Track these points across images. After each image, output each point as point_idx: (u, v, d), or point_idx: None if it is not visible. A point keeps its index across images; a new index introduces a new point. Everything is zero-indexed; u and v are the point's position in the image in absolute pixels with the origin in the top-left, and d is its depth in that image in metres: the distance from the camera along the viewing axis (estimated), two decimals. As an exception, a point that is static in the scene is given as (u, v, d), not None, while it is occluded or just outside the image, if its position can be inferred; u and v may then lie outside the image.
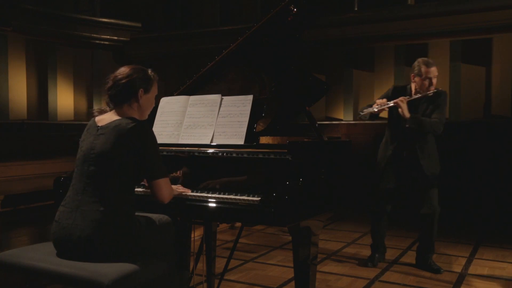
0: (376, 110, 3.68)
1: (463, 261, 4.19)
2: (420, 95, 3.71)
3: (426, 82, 3.69)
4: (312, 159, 2.37)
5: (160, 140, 2.64)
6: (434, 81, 3.71)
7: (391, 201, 3.97)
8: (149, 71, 2.30)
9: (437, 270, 3.86)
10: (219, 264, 3.70)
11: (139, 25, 9.31)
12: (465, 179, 6.61)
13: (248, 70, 3.06)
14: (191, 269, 2.96)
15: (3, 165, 6.76)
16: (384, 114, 4.04)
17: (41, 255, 2.15)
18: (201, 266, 3.17)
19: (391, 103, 3.69)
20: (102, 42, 9.16)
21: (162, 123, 2.70)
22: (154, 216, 2.31)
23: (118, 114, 2.21)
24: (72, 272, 1.97)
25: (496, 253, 4.46)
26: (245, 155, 2.30)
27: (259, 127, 2.66)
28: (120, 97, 2.20)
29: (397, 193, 3.95)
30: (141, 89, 2.23)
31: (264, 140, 2.55)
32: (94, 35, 9.02)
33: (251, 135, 2.41)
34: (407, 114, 3.63)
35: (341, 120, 7.80)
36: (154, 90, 2.31)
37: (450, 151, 6.79)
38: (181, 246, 2.78)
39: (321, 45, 7.82)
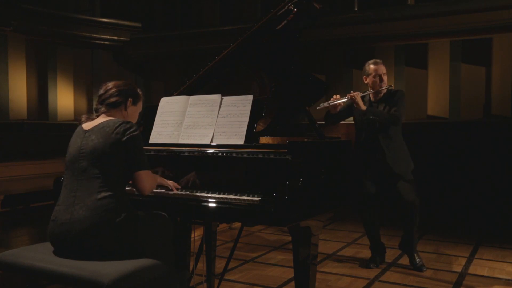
0: (328, 104, 3.67)
1: (463, 261, 4.19)
2: (373, 91, 3.85)
3: (377, 79, 3.84)
4: (312, 159, 2.37)
5: (160, 140, 2.65)
6: (385, 78, 3.86)
7: (374, 205, 3.98)
8: (138, 89, 2.51)
9: (420, 268, 3.87)
10: (219, 264, 3.70)
11: (139, 25, 9.31)
12: (465, 179, 6.61)
13: (248, 70, 3.06)
14: (191, 269, 2.96)
15: (3, 165, 6.76)
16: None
17: (41, 255, 2.15)
18: (201, 266, 3.17)
19: (345, 98, 3.73)
20: (102, 42, 9.16)
21: (162, 123, 2.70)
22: (151, 212, 2.34)
23: (106, 119, 2.31)
24: (72, 272, 1.97)
25: (496, 253, 4.46)
26: (245, 155, 2.30)
27: (259, 127, 2.65)
28: (112, 102, 2.36)
29: (380, 197, 3.97)
30: (130, 99, 2.41)
31: (264, 140, 2.54)
32: (94, 35, 9.02)
33: (251, 135, 2.41)
34: (362, 107, 3.73)
35: (341, 120, 7.79)
36: (140, 106, 2.50)
37: (450, 151, 6.80)
38: (181, 246, 2.78)
39: (321, 45, 7.82)
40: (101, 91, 2.40)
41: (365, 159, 3.90)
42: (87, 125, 2.31)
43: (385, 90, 3.85)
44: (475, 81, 7.02)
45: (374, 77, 3.83)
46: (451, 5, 6.89)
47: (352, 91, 3.78)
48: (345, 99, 3.72)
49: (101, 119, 2.31)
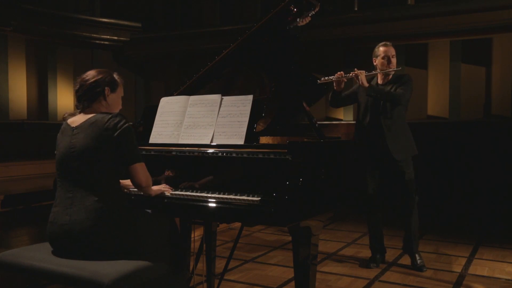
0: (333, 78, 3.63)
1: (463, 261, 4.19)
2: (380, 71, 3.86)
3: (385, 61, 3.86)
4: (312, 159, 2.37)
5: (160, 140, 2.65)
6: (393, 60, 3.87)
7: (377, 205, 3.98)
8: (115, 74, 2.41)
9: (420, 268, 3.87)
10: (219, 264, 3.70)
11: (139, 25, 9.30)
12: (465, 179, 6.61)
13: (248, 70, 3.06)
14: (191, 269, 2.96)
15: (3, 165, 6.76)
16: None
17: (41, 255, 2.15)
18: (201, 266, 3.16)
19: (349, 74, 3.72)
20: (102, 42, 9.16)
21: (162, 123, 2.70)
22: (150, 212, 2.34)
23: (89, 114, 2.26)
24: (72, 272, 1.97)
25: (496, 253, 4.46)
26: (245, 155, 2.30)
27: (259, 127, 2.65)
28: (89, 96, 2.28)
29: (382, 197, 3.96)
30: (107, 88, 2.32)
31: (264, 140, 2.54)
32: (94, 35, 9.02)
33: (251, 135, 2.41)
34: (365, 83, 3.73)
35: (341, 120, 7.80)
36: (120, 91, 2.41)
37: (450, 151, 6.80)
38: (181, 246, 2.78)
39: (321, 45, 7.82)
40: (77, 87, 2.31)
41: (368, 146, 3.87)
42: (72, 121, 2.26)
43: (392, 72, 3.86)
44: (475, 81, 7.02)
45: (382, 58, 3.85)
46: (451, 5, 6.89)
47: (355, 69, 3.76)
48: (349, 75, 3.72)
49: (86, 114, 2.26)
